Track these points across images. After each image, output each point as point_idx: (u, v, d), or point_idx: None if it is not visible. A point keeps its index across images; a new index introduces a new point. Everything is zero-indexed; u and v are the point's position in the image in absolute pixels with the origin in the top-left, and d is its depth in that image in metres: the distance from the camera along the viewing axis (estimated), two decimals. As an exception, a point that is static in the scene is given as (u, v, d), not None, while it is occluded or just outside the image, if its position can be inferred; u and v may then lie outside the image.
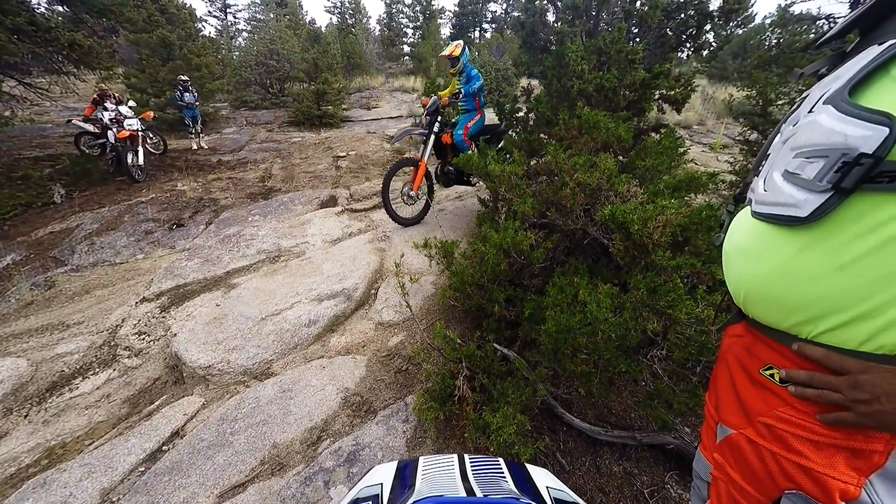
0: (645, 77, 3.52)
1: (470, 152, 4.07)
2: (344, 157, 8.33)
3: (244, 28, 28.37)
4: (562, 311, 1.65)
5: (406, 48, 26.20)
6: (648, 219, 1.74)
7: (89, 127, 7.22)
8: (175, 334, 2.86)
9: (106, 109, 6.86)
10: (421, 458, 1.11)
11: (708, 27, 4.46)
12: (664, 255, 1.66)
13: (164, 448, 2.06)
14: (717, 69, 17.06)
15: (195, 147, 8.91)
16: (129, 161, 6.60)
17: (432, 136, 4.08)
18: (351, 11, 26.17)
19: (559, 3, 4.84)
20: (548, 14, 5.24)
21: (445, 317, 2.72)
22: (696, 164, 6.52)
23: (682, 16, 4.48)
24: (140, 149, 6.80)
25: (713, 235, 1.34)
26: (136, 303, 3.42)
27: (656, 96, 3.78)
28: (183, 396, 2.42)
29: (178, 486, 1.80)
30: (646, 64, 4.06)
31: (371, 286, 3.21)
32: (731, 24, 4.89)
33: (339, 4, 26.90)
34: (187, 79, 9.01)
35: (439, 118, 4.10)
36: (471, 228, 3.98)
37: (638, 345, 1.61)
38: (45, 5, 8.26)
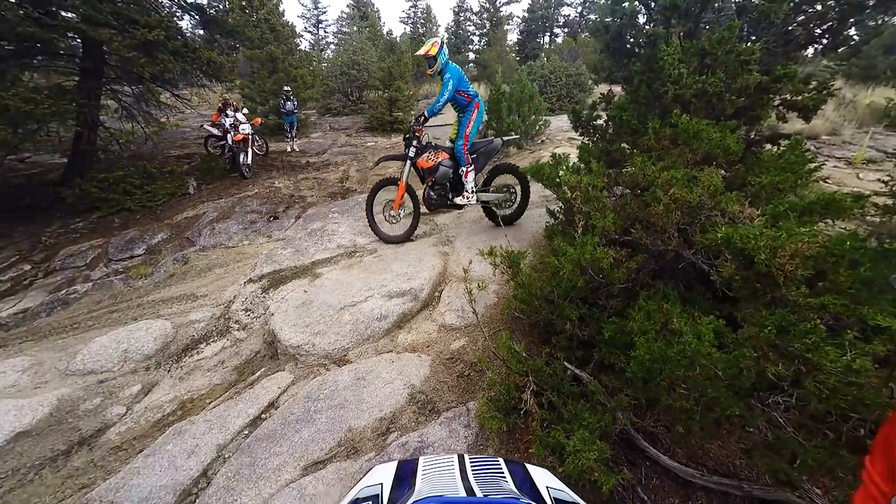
0: (761, 80, 2.79)
1: (472, 169, 3.65)
2: None
3: (332, 41, 29.20)
4: (654, 338, 1.40)
5: (471, 55, 25.45)
6: (779, 247, 1.39)
7: (215, 131, 7.90)
8: (272, 314, 2.98)
9: (227, 116, 7.44)
10: (421, 458, 1.04)
11: (854, 19, 3.38)
12: (798, 291, 1.33)
13: (263, 416, 2.17)
14: (859, 68, 12.33)
15: (289, 149, 9.42)
16: (241, 160, 7.14)
17: (408, 161, 3.75)
18: (423, 21, 25.84)
19: (653, 4, 3.97)
20: (638, 16, 4.36)
21: (509, 327, 2.52)
22: (828, 182, 5.05)
23: (819, 7, 3.45)
24: (249, 150, 7.32)
25: (862, 271, 1.08)
26: (244, 283, 3.69)
27: (776, 102, 3.01)
28: (277, 371, 2.54)
29: (273, 452, 1.88)
30: (762, 66, 3.24)
31: (435, 288, 3.12)
32: (888, 12, 3.71)
33: (411, 15, 26.65)
34: (290, 89, 9.49)
35: (414, 142, 3.72)
36: (536, 240, 3.62)
37: (752, 387, 1.31)
38: (190, 29, 9.07)
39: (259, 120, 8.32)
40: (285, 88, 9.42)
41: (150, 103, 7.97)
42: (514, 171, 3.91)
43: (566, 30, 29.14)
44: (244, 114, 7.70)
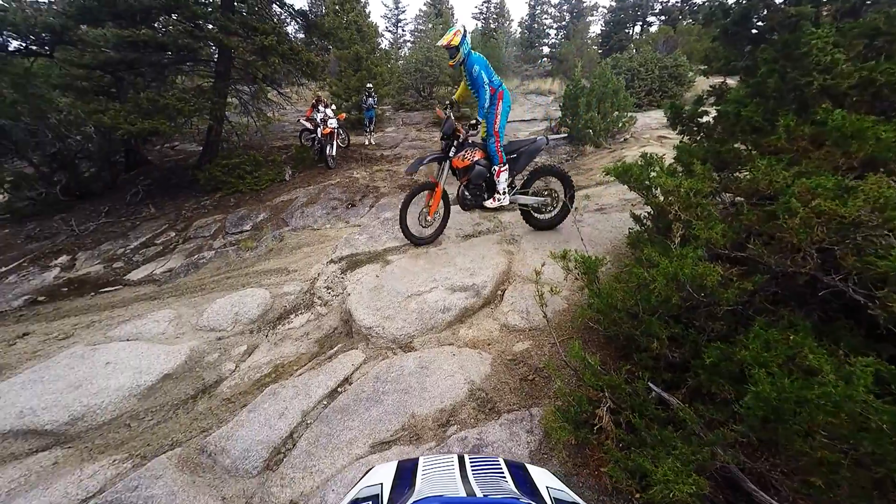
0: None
1: (505, 169, 3.30)
2: None
3: (409, 39, 29.21)
4: (780, 374, 1.14)
5: (545, 49, 23.63)
6: None
7: (308, 125, 8.48)
8: (349, 294, 3.11)
9: (318, 111, 7.93)
10: (421, 458, 0.99)
11: None
12: None
13: (339, 389, 2.26)
14: None
15: (367, 143, 9.77)
16: (327, 152, 7.59)
17: (447, 162, 3.42)
18: (495, 16, 24.58)
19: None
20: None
21: (581, 337, 2.31)
22: None
23: None
24: (334, 143, 7.74)
25: None
26: (326, 262, 3.92)
27: None
28: (351, 349, 2.64)
29: (346, 426, 1.95)
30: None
31: (498, 287, 2.99)
32: None
33: (483, 10, 25.44)
34: (371, 85, 9.79)
35: (455, 142, 3.37)
36: (615, 246, 3.26)
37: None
38: (294, 34, 9.76)
39: (344, 115, 8.73)
40: (367, 85, 9.71)
41: (261, 100, 8.80)
42: (557, 172, 3.52)
43: (662, 18, 24.99)
44: (332, 109, 8.13)
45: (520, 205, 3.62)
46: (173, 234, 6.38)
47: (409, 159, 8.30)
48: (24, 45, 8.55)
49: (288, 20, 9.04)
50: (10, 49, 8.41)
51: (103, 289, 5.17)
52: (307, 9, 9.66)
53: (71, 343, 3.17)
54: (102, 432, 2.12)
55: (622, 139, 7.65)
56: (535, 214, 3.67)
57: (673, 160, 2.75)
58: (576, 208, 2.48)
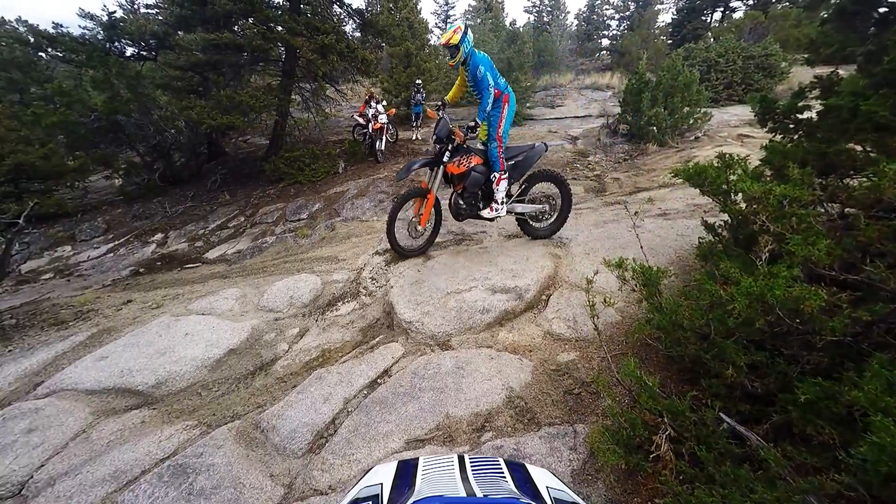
0: None
1: (505, 177, 2.99)
2: None
3: None
4: None
5: (605, 41, 21.66)
6: None
7: (360, 120, 8.66)
8: (392, 287, 3.10)
9: (370, 107, 8.04)
10: (421, 458, 0.95)
11: None
12: None
13: (379, 381, 2.26)
14: None
15: (414, 138, 9.76)
16: (377, 146, 7.71)
17: (440, 167, 3.10)
18: (549, 9, 22.97)
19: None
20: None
21: (636, 354, 2.07)
22: None
23: None
24: (384, 138, 7.83)
25: None
26: (372, 254, 3.97)
27: None
28: (391, 341, 2.62)
29: (383, 419, 1.95)
30: None
31: (542, 291, 2.80)
32: None
33: (536, 3, 23.83)
34: (420, 81, 9.72)
35: (451, 146, 3.06)
36: (680, 256, 2.88)
37: None
38: (350, 32, 9.95)
39: (394, 111, 8.77)
40: (416, 81, 9.65)
41: (320, 97, 9.14)
42: (554, 178, 3.25)
43: (750, 2, 21.00)
44: (383, 105, 8.20)
45: (516, 214, 3.32)
46: (243, 218, 6.92)
47: None
48: (136, 50, 9.66)
49: (346, 19, 9.21)
50: (126, 54, 9.52)
51: (187, 265, 5.77)
52: (363, 7, 9.77)
53: (160, 313, 3.53)
54: (179, 398, 2.34)
55: (693, 137, 6.82)
56: (532, 223, 3.39)
57: (760, 162, 2.32)
58: (636, 213, 2.20)
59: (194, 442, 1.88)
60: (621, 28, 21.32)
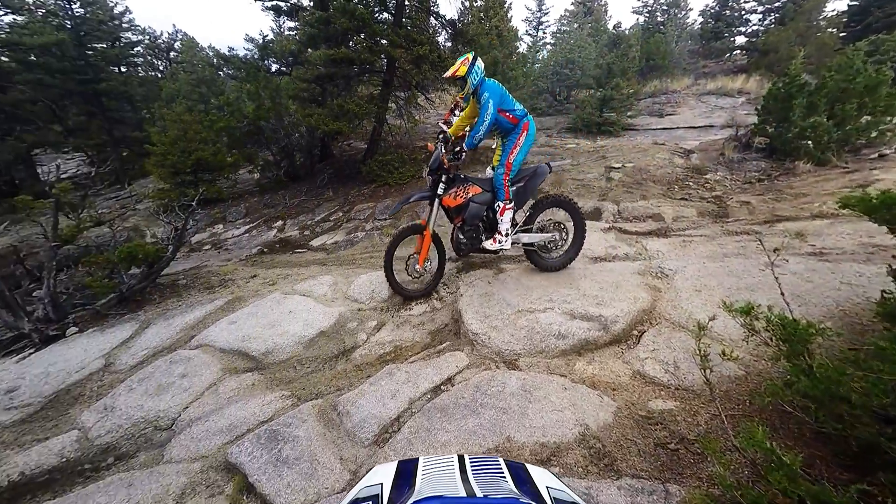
0: None
1: (511, 207, 2.62)
2: (618, 168, 6.67)
3: (549, 42, 26.54)
4: None
5: (739, 39, 17.88)
6: None
7: (445, 127, 8.82)
8: (461, 295, 3.08)
9: (454, 115, 8.14)
10: (421, 458, 0.93)
11: None
12: None
13: (442, 388, 2.23)
14: None
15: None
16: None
17: (436, 202, 2.83)
18: (665, 8, 19.90)
19: None
20: None
21: (766, 420, 1.65)
22: None
23: None
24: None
25: None
26: (447, 259, 4.04)
27: None
28: (457, 349, 2.58)
29: (443, 427, 1.91)
30: None
31: (634, 325, 2.44)
32: None
33: (649, 3, 20.80)
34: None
35: (444, 177, 2.78)
36: (844, 310, 2.20)
37: None
38: (442, 42, 10.22)
39: None
40: None
41: (412, 105, 9.63)
42: (563, 203, 2.89)
43: None
44: None
45: (523, 245, 2.98)
46: (341, 214, 7.72)
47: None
48: (279, 66, 11.54)
49: (440, 30, 9.47)
50: (272, 70, 11.42)
51: (297, 249, 6.68)
52: (456, 18, 9.88)
53: (274, 289, 4.09)
54: (280, 368, 2.69)
55: (874, 155, 5.13)
56: (542, 253, 3.03)
57: None
58: (776, 249, 1.73)
59: (286, 412, 2.12)
60: (766, 23, 17.29)
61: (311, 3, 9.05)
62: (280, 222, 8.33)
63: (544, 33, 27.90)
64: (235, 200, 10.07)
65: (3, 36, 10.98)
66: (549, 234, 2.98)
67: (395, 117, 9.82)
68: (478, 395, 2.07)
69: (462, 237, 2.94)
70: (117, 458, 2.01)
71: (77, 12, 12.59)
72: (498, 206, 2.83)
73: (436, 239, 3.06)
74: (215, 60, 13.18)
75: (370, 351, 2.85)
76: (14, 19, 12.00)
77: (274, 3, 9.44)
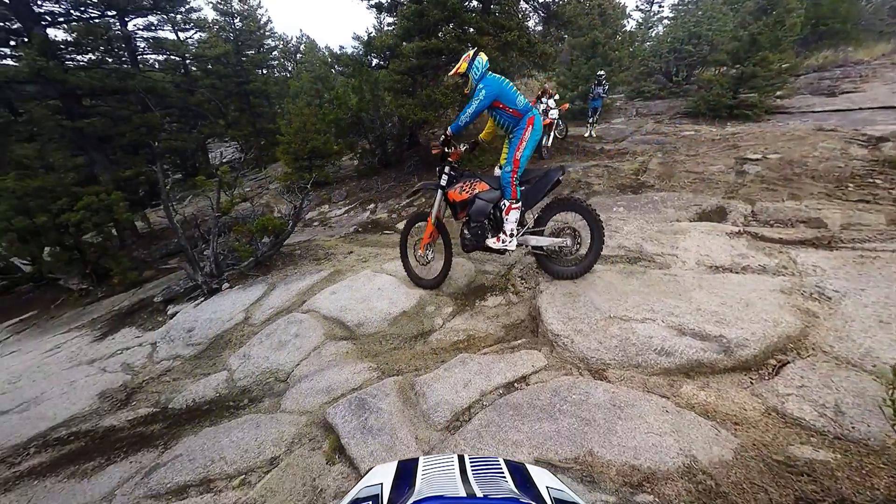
0: None
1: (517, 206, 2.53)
2: (757, 160, 5.28)
3: (667, 16, 21.79)
4: None
5: None
6: None
7: (529, 113, 8.16)
8: (541, 291, 2.82)
9: (541, 102, 7.43)
10: (421, 458, 0.90)
11: None
12: None
13: (515, 385, 2.11)
14: None
15: (587, 134, 8.41)
16: (542, 142, 7.10)
17: (438, 192, 2.80)
18: None
19: None
20: None
21: None
22: None
23: None
24: (552, 134, 7.11)
25: None
26: (525, 253, 3.72)
27: None
28: (534, 348, 2.41)
29: (515, 426, 1.79)
30: None
31: (771, 353, 1.93)
32: None
33: None
34: (603, 73, 8.21)
35: (447, 169, 2.74)
36: None
37: None
38: (532, 26, 9.35)
39: (567, 105, 7.79)
40: (599, 73, 8.18)
41: (497, 91, 9.15)
42: (578, 207, 2.61)
43: None
44: (555, 100, 7.40)
45: (532, 247, 2.77)
46: (423, 200, 7.95)
47: (639, 156, 6.58)
48: (378, 61, 12.23)
49: (531, 14, 8.61)
50: (372, 65, 12.16)
51: (385, 231, 7.15)
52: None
53: (366, 266, 4.42)
54: (368, 341, 2.90)
55: None
56: (553, 260, 2.81)
57: None
58: None
59: (372, 383, 2.27)
60: None
61: None
62: (372, 205, 9.02)
63: (660, 7, 23.29)
64: (339, 184, 11.26)
65: (193, 50, 14.04)
66: (560, 240, 2.73)
67: (479, 105, 9.49)
68: (556, 399, 1.89)
69: (467, 233, 2.87)
70: (250, 401, 2.45)
71: (237, 26, 15.26)
72: (504, 204, 2.69)
73: (442, 231, 3.03)
74: (329, 59, 14.66)
75: (445, 336, 2.86)
76: (200, 36, 15.18)
77: (376, 0, 9.83)
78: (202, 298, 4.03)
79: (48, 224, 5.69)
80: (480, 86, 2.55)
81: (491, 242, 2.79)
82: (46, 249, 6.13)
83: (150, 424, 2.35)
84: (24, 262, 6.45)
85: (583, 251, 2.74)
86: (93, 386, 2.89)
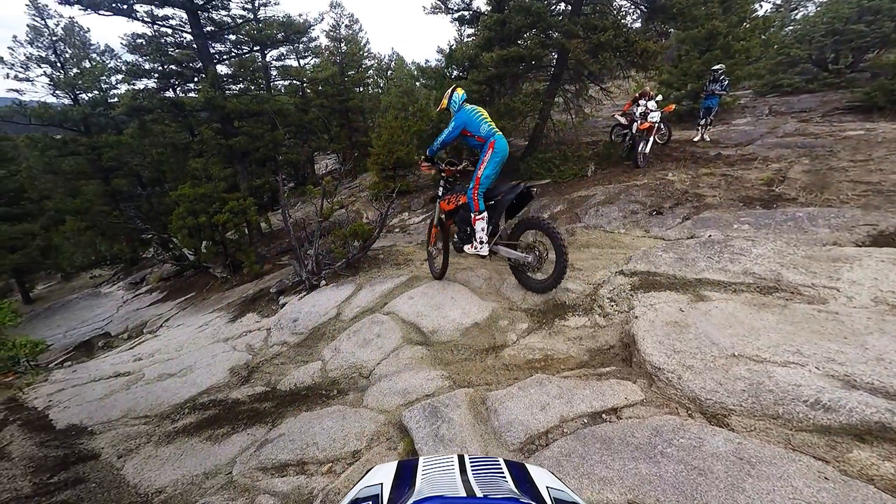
0: None
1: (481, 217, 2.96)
2: None
3: None
4: None
5: None
6: None
7: (622, 120, 7.43)
8: (636, 317, 2.49)
9: (638, 105, 6.69)
10: (421, 458, 0.89)
11: None
12: None
13: (604, 417, 1.88)
14: None
15: (696, 138, 7.22)
16: (639, 149, 6.34)
17: (437, 201, 3.34)
18: None
19: None
20: None
21: None
22: None
23: None
24: (651, 139, 6.31)
25: None
26: (615, 272, 3.36)
27: None
28: (627, 379, 2.12)
29: (603, 461, 1.57)
30: None
31: None
32: None
33: None
34: (721, 67, 6.99)
35: (442, 181, 3.29)
36: None
37: None
38: (630, 22, 8.55)
39: (673, 107, 6.84)
40: (715, 67, 6.99)
41: (581, 97, 8.62)
42: (542, 226, 2.85)
43: None
44: (657, 101, 6.57)
45: (507, 258, 3.22)
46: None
47: (773, 162, 5.38)
48: (458, 72, 12.83)
49: (630, 9, 7.88)
50: (453, 76, 12.79)
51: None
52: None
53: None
54: (441, 349, 2.95)
55: None
56: (528, 273, 3.16)
57: None
58: None
59: (444, 392, 2.29)
60: None
61: (489, 8, 9.35)
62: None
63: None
64: (417, 193, 12.03)
65: (308, 74, 16.92)
66: (524, 255, 3.10)
67: (561, 112, 9.07)
68: (657, 440, 1.63)
69: (456, 238, 3.40)
70: (338, 392, 2.72)
71: (343, 49, 17.81)
72: (470, 216, 3.12)
73: (444, 232, 3.55)
74: (415, 72, 15.96)
75: (518, 353, 2.74)
76: (315, 62, 18.13)
77: (460, 13, 10.32)
78: (305, 293, 4.71)
79: (206, 223, 7.47)
80: (452, 119, 3.10)
81: (466, 248, 3.29)
82: (203, 243, 8.04)
83: (263, 402, 2.79)
84: (190, 252, 8.58)
85: (551, 268, 2.97)
86: (226, 361, 3.60)
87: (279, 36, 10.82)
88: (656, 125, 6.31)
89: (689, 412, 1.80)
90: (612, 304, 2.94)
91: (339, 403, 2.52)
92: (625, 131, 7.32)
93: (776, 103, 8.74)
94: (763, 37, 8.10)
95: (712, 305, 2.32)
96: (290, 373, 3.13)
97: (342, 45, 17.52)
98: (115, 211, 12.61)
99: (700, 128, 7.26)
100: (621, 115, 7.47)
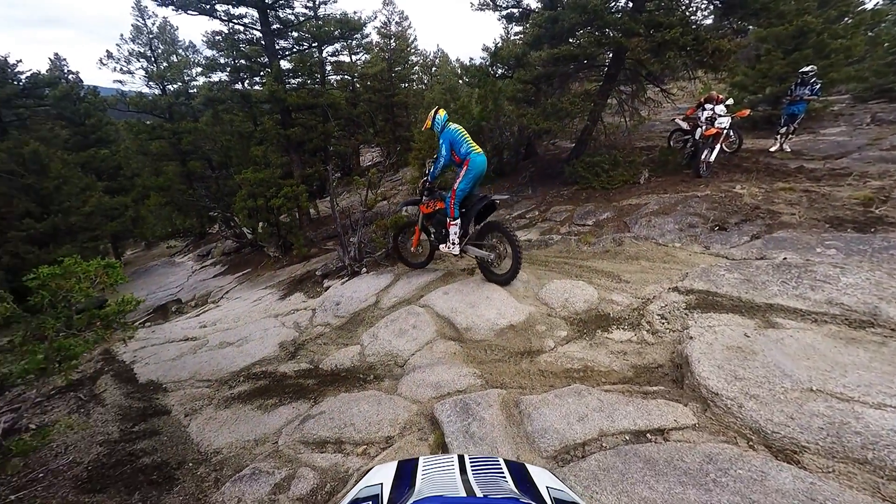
0: None
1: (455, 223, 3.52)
2: None
3: None
4: None
5: None
6: None
7: (683, 125, 6.82)
8: (692, 337, 2.31)
9: (704, 110, 6.10)
10: (421, 458, 0.88)
11: None
12: None
13: (648, 437, 1.78)
14: None
15: (774, 148, 6.37)
16: (702, 157, 5.76)
17: (418, 206, 3.94)
18: None
19: None
20: None
21: None
22: None
23: None
24: (717, 147, 5.70)
25: None
26: (668, 288, 3.13)
27: None
28: (677, 401, 1.98)
29: (645, 481, 1.49)
30: None
31: None
32: None
33: None
34: (811, 69, 6.11)
35: (424, 189, 3.82)
36: None
37: None
38: (701, 19, 7.80)
39: (747, 112, 6.12)
40: (804, 70, 6.12)
41: (637, 99, 8.04)
42: (500, 229, 3.51)
43: None
44: (727, 105, 5.93)
45: (474, 256, 3.67)
46: (537, 213, 7.66)
47: (871, 179, 4.65)
48: (502, 71, 12.58)
49: (702, 4, 7.15)
50: (497, 75, 12.59)
51: (493, 240, 7.21)
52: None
53: (476, 272, 4.52)
54: (475, 347, 2.95)
55: None
56: (492, 269, 3.65)
57: None
58: None
59: (476, 390, 2.28)
60: None
61: (540, 5, 9.00)
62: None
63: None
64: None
65: (359, 69, 17.55)
66: (486, 253, 3.59)
67: (613, 114, 8.54)
68: (710, 468, 1.52)
69: (433, 238, 3.98)
70: (375, 377, 2.82)
71: (392, 46, 18.23)
72: (447, 220, 3.62)
73: (426, 232, 4.12)
74: (458, 70, 15.96)
75: (556, 360, 2.65)
76: (365, 58, 18.75)
77: (508, 11, 10.07)
78: (347, 278, 4.95)
79: (263, 205, 8.11)
80: (441, 140, 3.46)
81: (442, 247, 3.78)
82: (260, 224, 8.74)
83: (307, 378, 2.97)
84: (248, 231, 9.36)
85: (510, 263, 3.47)
86: (276, 336, 3.89)
87: (336, 33, 11.34)
88: (725, 132, 5.70)
89: (750, 443, 1.65)
90: (663, 321, 2.74)
91: (375, 388, 2.62)
92: (686, 137, 6.72)
93: (882, 110, 7.42)
94: (870, 33, 6.96)
95: (786, 334, 2.08)
96: (332, 353, 3.31)
97: (392, 41, 17.93)
98: (189, 189, 14.14)
99: (779, 136, 6.42)
100: (683, 120, 6.86)
